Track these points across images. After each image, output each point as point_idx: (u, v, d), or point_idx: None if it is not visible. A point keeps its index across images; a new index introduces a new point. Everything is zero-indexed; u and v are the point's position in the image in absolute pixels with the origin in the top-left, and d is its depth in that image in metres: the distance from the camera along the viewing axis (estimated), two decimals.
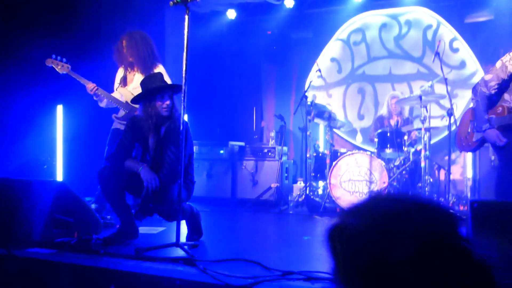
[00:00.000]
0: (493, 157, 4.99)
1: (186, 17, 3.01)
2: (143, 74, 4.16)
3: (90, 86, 4.01)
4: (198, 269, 2.38)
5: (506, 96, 3.38)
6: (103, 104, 4.21)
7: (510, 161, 3.32)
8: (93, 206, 3.94)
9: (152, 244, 2.91)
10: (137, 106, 3.96)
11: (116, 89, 4.27)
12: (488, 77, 3.40)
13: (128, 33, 4.20)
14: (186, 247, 2.83)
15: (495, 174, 3.57)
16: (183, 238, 3.31)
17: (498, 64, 3.35)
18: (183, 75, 2.99)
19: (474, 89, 3.52)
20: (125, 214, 3.18)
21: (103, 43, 4.50)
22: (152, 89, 3.21)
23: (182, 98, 2.99)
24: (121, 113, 4.20)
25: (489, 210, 1.90)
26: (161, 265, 2.48)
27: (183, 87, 2.99)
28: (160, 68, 4.23)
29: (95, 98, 4.15)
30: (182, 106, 2.96)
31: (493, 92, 3.38)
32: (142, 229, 3.61)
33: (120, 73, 4.34)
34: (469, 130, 3.71)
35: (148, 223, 3.97)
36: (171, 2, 3.03)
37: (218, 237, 3.79)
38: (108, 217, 3.92)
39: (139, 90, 4.14)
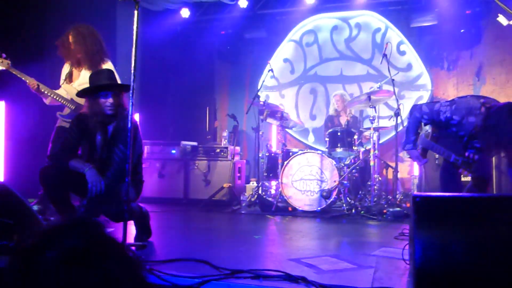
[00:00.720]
0: (436, 155, 5.19)
1: (136, 12, 2.92)
2: (90, 71, 4.01)
3: (31, 82, 3.82)
4: (144, 270, 2.31)
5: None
6: (47, 101, 4.02)
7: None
8: (35, 207, 3.76)
9: None
10: (83, 102, 3.83)
11: (61, 85, 4.09)
12: (425, 109, 3.57)
13: (74, 28, 4.03)
14: (133, 248, 2.75)
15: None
16: (131, 239, 3.23)
17: (437, 106, 3.51)
18: (132, 71, 2.90)
19: (411, 110, 3.68)
20: (68, 215, 3.05)
21: (50, 38, 4.29)
22: (95, 86, 3.10)
23: (131, 96, 2.89)
24: (66, 110, 4.04)
25: (431, 204, 1.96)
26: None
27: (132, 84, 2.89)
28: (108, 65, 4.10)
29: (40, 95, 3.96)
30: (131, 104, 2.87)
31: (423, 122, 3.63)
32: None
33: (65, 69, 4.16)
34: None
35: None
36: None
37: (168, 238, 3.71)
38: (52, 219, 3.75)
39: (85, 87, 4.01)
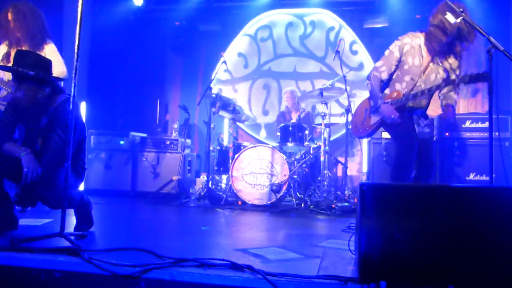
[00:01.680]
0: (384, 153, 5.32)
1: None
2: (30, 49, 3.78)
3: None
4: (82, 259, 2.18)
5: (397, 86, 3.65)
6: None
7: (402, 138, 3.60)
8: None
9: (33, 235, 2.63)
10: None
11: None
12: (378, 63, 3.73)
13: (14, 4, 3.76)
14: (72, 237, 2.60)
15: (392, 156, 3.82)
16: (70, 229, 3.07)
17: (387, 52, 3.67)
18: (75, 50, 2.74)
19: (368, 76, 3.80)
20: (1, 203, 2.85)
21: None
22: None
23: (73, 77, 2.74)
24: (3, 93, 3.78)
25: (377, 192, 1.97)
26: (39, 256, 2.23)
27: (75, 63, 2.73)
28: (51, 46, 3.87)
29: None
30: (73, 85, 2.71)
31: (383, 77, 3.68)
32: (24, 221, 3.29)
33: (2, 48, 3.89)
34: (364, 117, 3.95)
35: (32, 215, 3.63)
36: None
37: (110, 228, 3.56)
38: None
39: None
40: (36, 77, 2.82)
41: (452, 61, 3.56)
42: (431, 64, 3.56)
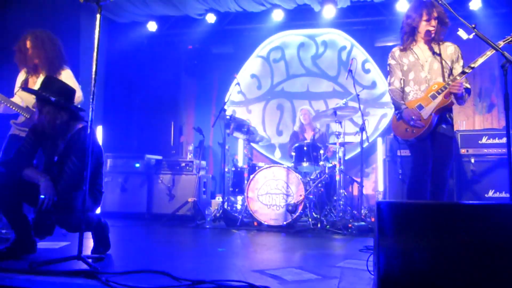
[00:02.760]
0: (400, 171, 5.27)
1: (98, 16, 2.83)
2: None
3: None
4: (100, 282, 2.19)
5: (407, 88, 3.60)
6: (0, 109, 3.85)
7: (420, 154, 3.49)
8: None
9: (51, 258, 2.65)
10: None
11: (16, 93, 3.93)
12: (388, 79, 3.76)
13: (32, 32, 3.88)
14: (89, 260, 2.61)
15: (407, 177, 3.68)
16: (88, 252, 3.09)
17: (388, 67, 3.74)
18: (93, 76, 2.80)
19: (391, 98, 3.72)
20: (20, 226, 2.89)
21: (7, 44, 4.12)
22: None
23: (90, 102, 2.79)
24: (21, 119, 3.86)
25: (395, 211, 1.95)
26: (57, 279, 2.25)
27: (92, 88, 2.79)
28: (67, 72, 3.96)
29: None
30: (90, 110, 2.77)
31: (397, 86, 3.63)
32: (42, 244, 3.31)
33: (21, 75, 3.99)
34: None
35: (50, 238, 3.66)
36: None
37: (127, 251, 3.57)
38: (4, 231, 3.55)
39: None
40: (57, 104, 2.89)
41: (451, 50, 3.57)
42: (430, 57, 3.55)
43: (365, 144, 5.44)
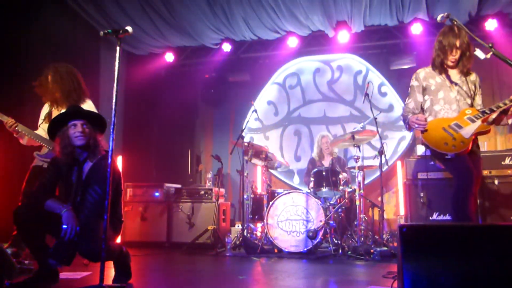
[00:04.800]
0: (421, 194, 5.18)
1: (118, 48, 2.92)
2: None
3: (9, 122, 3.77)
4: None
5: (436, 107, 3.66)
6: (24, 141, 3.95)
7: (462, 166, 3.44)
8: (9, 250, 3.59)
9: None
10: None
11: (40, 126, 4.04)
12: (406, 100, 3.84)
13: (53, 67, 4.02)
14: None
15: (451, 191, 3.50)
16: (109, 281, 3.08)
17: (409, 89, 3.83)
18: (113, 106, 2.87)
19: (402, 114, 3.85)
20: (43, 257, 2.91)
21: (32, 77, 4.26)
22: (60, 116, 3.07)
23: (111, 131, 2.85)
24: (44, 150, 3.96)
25: (417, 233, 1.91)
26: None
27: (112, 119, 2.85)
28: (88, 104, 4.08)
29: (15, 135, 3.88)
30: (111, 139, 2.82)
31: (411, 106, 3.75)
32: (64, 274, 3.33)
33: (45, 109, 4.12)
34: (449, 133, 3.53)
35: (71, 268, 3.67)
36: (101, 32, 2.93)
37: (148, 280, 3.55)
38: (26, 262, 3.58)
39: None
40: (93, 119, 3.02)
41: (473, 77, 3.73)
42: (458, 80, 3.66)
43: (384, 168, 5.38)
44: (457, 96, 3.62)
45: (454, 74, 3.69)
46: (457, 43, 3.54)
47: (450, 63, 3.64)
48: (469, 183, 3.39)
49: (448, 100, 3.62)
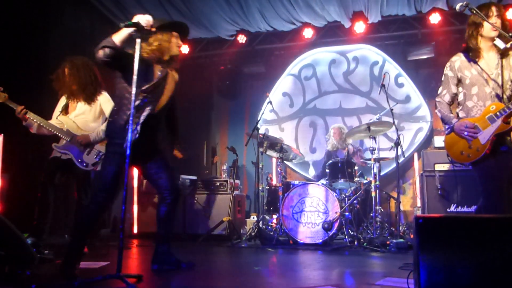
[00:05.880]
0: (439, 186, 5.13)
1: (138, 40, 2.93)
2: (85, 102, 4.06)
3: (18, 109, 3.81)
4: None
5: (469, 103, 3.23)
6: (34, 129, 4.00)
7: (487, 172, 3.10)
8: (29, 240, 3.67)
9: (92, 277, 2.71)
10: (79, 132, 3.84)
11: (57, 117, 4.09)
12: (439, 90, 3.42)
13: (69, 60, 4.07)
14: (128, 279, 2.65)
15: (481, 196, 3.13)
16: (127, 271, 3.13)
17: (443, 77, 3.40)
18: (133, 98, 2.87)
19: (435, 105, 3.45)
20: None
21: (51, 70, 4.31)
22: (177, 23, 3.46)
23: (130, 123, 2.87)
24: (62, 142, 4.02)
25: (433, 224, 1.90)
26: None
27: (132, 110, 2.87)
28: (104, 96, 4.14)
29: (24, 123, 3.92)
30: (130, 130, 2.83)
31: (447, 99, 3.34)
32: (83, 264, 3.38)
33: (62, 101, 4.18)
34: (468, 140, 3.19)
35: (90, 258, 3.75)
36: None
37: (164, 270, 3.59)
38: (46, 251, 3.65)
39: (81, 118, 4.02)
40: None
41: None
42: (495, 69, 3.18)
43: (401, 159, 5.34)
44: (493, 91, 3.14)
45: (490, 60, 3.19)
46: (494, 10, 3.09)
47: (492, 33, 3.12)
48: (497, 204, 2.97)
49: (483, 96, 3.16)
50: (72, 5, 5.99)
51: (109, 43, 2.93)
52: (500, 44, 3.00)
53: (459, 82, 3.31)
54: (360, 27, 6.82)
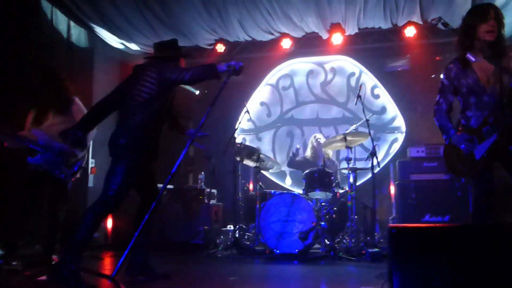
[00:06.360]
0: (413, 195, 5.20)
1: None
2: (57, 111, 4.00)
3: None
4: None
5: (468, 113, 3.12)
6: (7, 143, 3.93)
7: (479, 189, 3.02)
8: None
9: None
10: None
11: (29, 130, 4.02)
12: (437, 97, 3.31)
13: (38, 70, 4.05)
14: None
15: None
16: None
17: (440, 84, 3.30)
18: None
19: (433, 113, 3.34)
20: None
21: (25, 78, 4.24)
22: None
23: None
24: (36, 154, 3.97)
25: (407, 234, 1.92)
26: None
27: None
28: (76, 105, 4.11)
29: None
30: None
31: (444, 108, 3.24)
32: None
33: (33, 112, 4.11)
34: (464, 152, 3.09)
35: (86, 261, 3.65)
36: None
37: (138, 280, 3.53)
38: (14, 263, 3.55)
39: (56, 128, 3.94)
40: None
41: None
42: (492, 76, 3.03)
43: (376, 169, 5.39)
44: (491, 99, 2.98)
45: (487, 66, 3.02)
46: (491, 13, 2.94)
47: (487, 37, 2.96)
48: (484, 217, 2.90)
49: (481, 106, 3.02)
50: (49, 8, 5.90)
51: None
52: (471, 58, 3.01)
53: (456, 90, 3.20)
54: (337, 38, 6.90)
